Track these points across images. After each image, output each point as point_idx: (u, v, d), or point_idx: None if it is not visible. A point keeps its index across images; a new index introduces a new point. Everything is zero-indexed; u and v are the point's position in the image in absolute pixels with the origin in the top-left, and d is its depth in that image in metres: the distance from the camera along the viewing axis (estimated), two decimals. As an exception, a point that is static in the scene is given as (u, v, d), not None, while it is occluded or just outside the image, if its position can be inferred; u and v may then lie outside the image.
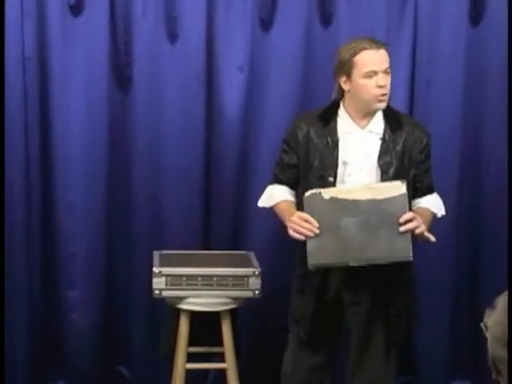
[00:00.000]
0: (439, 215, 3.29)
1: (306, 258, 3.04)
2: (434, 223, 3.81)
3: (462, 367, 4.21)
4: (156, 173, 3.99)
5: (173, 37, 3.91)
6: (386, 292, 3.14)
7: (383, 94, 3.06)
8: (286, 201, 3.26)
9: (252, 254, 3.74)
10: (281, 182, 3.29)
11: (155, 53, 3.91)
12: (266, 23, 3.94)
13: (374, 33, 3.91)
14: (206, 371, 4.10)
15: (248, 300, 3.61)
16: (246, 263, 3.64)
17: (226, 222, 4.04)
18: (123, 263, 4.05)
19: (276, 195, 3.30)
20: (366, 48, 3.03)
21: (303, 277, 3.22)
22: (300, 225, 3.00)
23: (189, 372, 3.65)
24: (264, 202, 3.35)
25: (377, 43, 3.06)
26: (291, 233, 3.03)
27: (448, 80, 3.99)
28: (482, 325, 1.71)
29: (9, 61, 3.80)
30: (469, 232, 4.13)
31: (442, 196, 4.02)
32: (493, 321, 1.68)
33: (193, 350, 3.65)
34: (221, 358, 3.68)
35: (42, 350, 4.06)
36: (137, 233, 4.02)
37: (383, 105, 3.09)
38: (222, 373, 3.77)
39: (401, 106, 3.97)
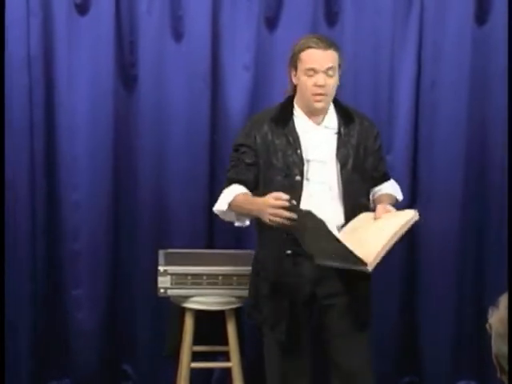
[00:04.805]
0: (400, 198, 3.31)
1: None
2: (442, 222, 3.84)
3: (466, 367, 4.20)
4: (161, 172, 4.00)
5: (178, 36, 3.92)
6: (349, 282, 3.13)
7: (320, 94, 3.06)
8: (246, 193, 3.11)
9: (257, 253, 3.74)
10: (239, 182, 3.13)
11: (160, 52, 3.92)
12: (271, 22, 3.95)
13: (379, 32, 3.93)
14: (210, 370, 4.11)
15: (253, 299, 3.60)
16: (251, 262, 3.64)
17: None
18: (128, 262, 4.06)
19: (233, 191, 3.12)
20: (311, 46, 3.05)
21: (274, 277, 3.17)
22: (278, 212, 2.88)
23: (193, 371, 3.66)
24: (220, 204, 3.13)
25: (325, 43, 3.06)
26: (269, 218, 2.89)
27: (453, 80, 3.99)
28: (486, 325, 1.73)
29: (14, 59, 3.81)
30: (473, 233, 4.12)
31: (446, 196, 4.04)
32: (496, 319, 1.70)
33: (198, 348, 3.65)
34: (225, 356, 3.69)
35: (46, 348, 4.07)
36: (142, 232, 4.03)
37: (320, 105, 3.08)
38: (226, 372, 3.78)
39: (405, 107, 3.99)
